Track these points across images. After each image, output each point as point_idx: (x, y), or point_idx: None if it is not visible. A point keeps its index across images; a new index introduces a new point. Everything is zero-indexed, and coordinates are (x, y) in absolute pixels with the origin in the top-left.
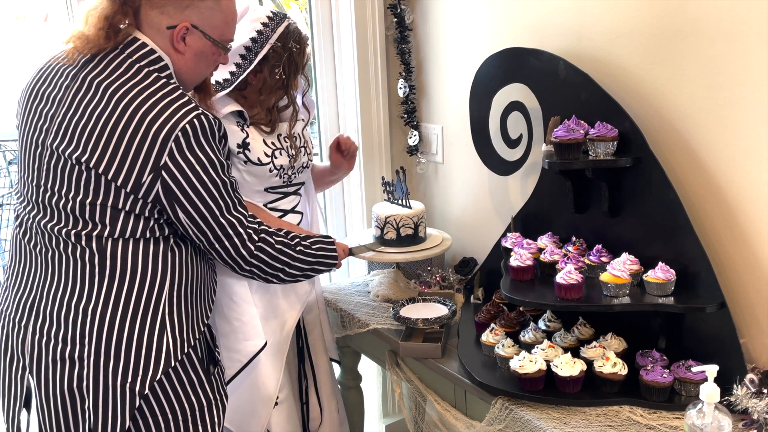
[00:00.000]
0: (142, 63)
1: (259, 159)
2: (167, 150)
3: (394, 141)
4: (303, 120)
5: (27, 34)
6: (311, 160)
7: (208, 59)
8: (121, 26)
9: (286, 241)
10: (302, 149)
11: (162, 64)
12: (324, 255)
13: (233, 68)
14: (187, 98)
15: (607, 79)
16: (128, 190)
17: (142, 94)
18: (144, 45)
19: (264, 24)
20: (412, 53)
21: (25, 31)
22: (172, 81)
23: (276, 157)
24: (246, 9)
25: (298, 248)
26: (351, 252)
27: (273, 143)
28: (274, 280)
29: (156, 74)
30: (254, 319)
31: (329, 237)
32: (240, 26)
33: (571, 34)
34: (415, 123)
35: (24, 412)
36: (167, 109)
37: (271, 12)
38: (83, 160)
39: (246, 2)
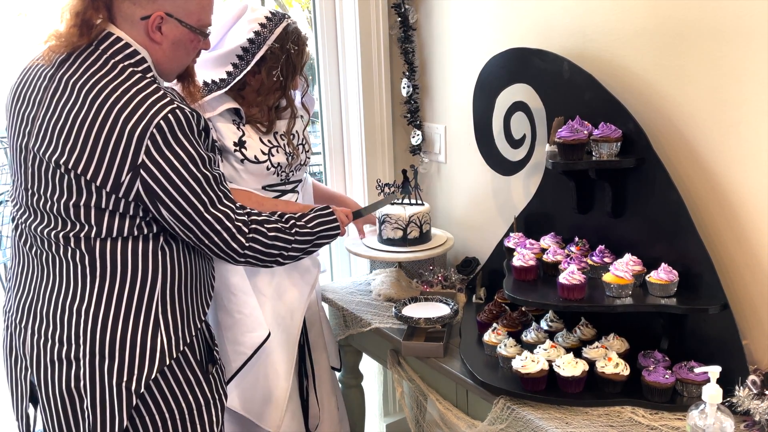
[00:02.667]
0: (117, 58)
1: (255, 157)
2: (144, 148)
3: (397, 140)
4: (302, 119)
5: (27, 31)
6: (309, 159)
7: (187, 47)
8: (96, 21)
9: (279, 226)
10: (300, 147)
11: (138, 57)
12: (324, 228)
13: (230, 68)
14: (161, 92)
15: (612, 80)
16: (108, 190)
17: (116, 91)
18: (118, 39)
19: (262, 25)
20: (416, 53)
21: (24, 28)
22: (148, 75)
23: (273, 155)
24: (244, 8)
25: (293, 230)
26: (356, 214)
27: (270, 141)
28: (273, 265)
29: (131, 69)
30: (255, 310)
31: (327, 207)
32: (237, 27)
33: (575, 34)
34: (418, 122)
35: (31, 408)
36: (141, 106)
37: (270, 12)
38: (61, 161)
39: (245, 1)
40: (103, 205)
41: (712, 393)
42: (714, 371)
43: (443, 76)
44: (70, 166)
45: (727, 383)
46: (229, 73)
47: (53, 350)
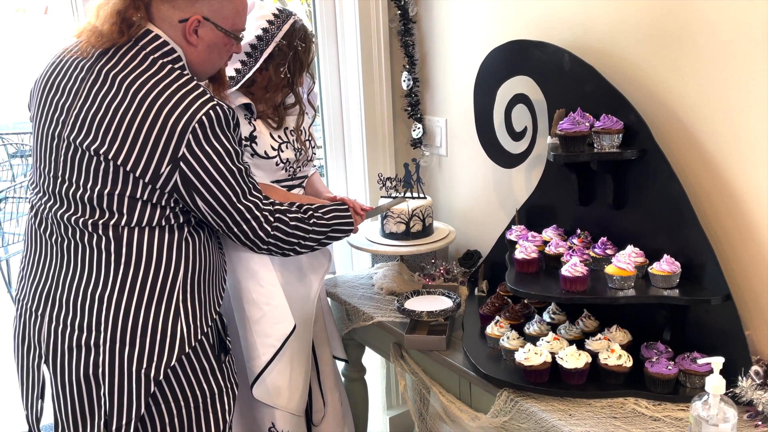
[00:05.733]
0: (156, 55)
1: (265, 152)
2: (185, 141)
3: (397, 134)
4: (308, 115)
5: (27, 27)
6: (315, 153)
7: (221, 50)
8: (134, 19)
9: (299, 215)
10: (307, 143)
11: (175, 55)
12: (338, 222)
13: (239, 65)
14: (201, 89)
15: (612, 72)
16: (146, 180)
17: (158, 85)
18: (157, 37)
19: (269, 22)
20: (416, 46)
21: (24, 24)
22: (185, 72)
23: (282, 151)
24: (252, 4)
25: (311, 220)
26: (368, 214)
27: (279, 137)
28: (291, 254)
29: (170, 66)
30: (283, 301)
31: (344, 204)
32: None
33: (576, 26)
34: (418, 116)
35: (40, 400)
36: (183, 101)
37: (277, 9)
38: (101, 151)
39: None
40: (138, 195)
41: (715, 384)
42: (717, 362)
43: (444, 69)
44: (110, 157)
45: (730, 374)
46: (237, 71)
47: (72, 337)
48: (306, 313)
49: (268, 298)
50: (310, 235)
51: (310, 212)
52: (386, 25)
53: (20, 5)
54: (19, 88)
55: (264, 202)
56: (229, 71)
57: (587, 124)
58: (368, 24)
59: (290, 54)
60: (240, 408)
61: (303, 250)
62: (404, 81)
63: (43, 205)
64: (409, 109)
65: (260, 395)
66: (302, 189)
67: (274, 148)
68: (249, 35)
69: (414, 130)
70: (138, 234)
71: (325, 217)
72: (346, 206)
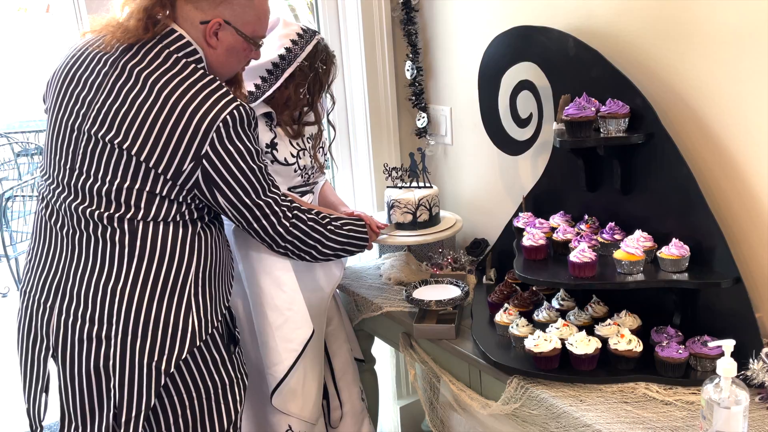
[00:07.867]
0: (180, 54)
1: (285, 159)
2: (208, 140)
3: (402, 123)
4: (327, 133)
5: (28, 26)
6: (327, 160)
7: (239, 54)
8: (159, 17)
9: (317, 219)
10: (321, 149)
11: (198, 56)
12: (355, 236)
13: (258, 81)
14: (225, 89)
15: (618, 56)
16: (168, 177)
17: (183, 84)
18: (181, 37)
19: (293, 41)
20: (419, 34)
21: (26, 23)
22: (208, 72)
23: (300, 158)
24: (276, 21)
25: (329, 227)
26: (383, 231)
27: (298, 144)
28: (308, 258)
29: (193, 65)
30: (303, 307)
31: (360, 219)
32: (269, 40)
33: (580, 10)
34: (423, 105)
35: (44, 394)
36: (207, 100)
37: (302, 29)
38: (125, 146)
39: (276, 14)
40: (157, 191)
41: (727, 366)
42: (728, 345)
43: (447, 57)
44: (132, 152)
45: (741, 357)
46: (257, 86)
47: (83, 329)
48: (317, 322)
49: (290, 303)
50: (328, 242)
51: (328, 220)
52: (388, 14)
53: (22, 4)
54: (22, 87)
55: (282, 198)
56: (248, 86)
57: (593, 109)
58: (370, 13)
59: (311, 75)
60: (254, 409)
61: (320, 257)
62: (408, 70)
63: (55, 197)
64: (414, 98)
65: (277, 403)
66: (312, 194)
67: (293, 155)
68: (272, 53)
69: (419, 120)
70: (153, 228)
71: (344, 228)
72: (363, 222)
